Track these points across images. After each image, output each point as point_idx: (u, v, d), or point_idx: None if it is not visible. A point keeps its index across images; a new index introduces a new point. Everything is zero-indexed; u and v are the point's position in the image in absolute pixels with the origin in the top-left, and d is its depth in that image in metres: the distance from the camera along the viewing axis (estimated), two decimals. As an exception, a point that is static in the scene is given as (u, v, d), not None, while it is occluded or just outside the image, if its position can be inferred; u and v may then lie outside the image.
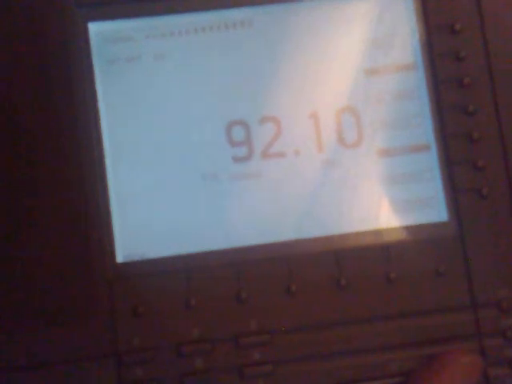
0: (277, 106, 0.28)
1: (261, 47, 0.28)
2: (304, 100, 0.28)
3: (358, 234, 0.27)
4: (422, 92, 0.28)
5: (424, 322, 0.26)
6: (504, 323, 0.26)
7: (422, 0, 0.28)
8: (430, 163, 0.28)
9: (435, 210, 0.27)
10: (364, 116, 0.28)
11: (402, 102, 0.28)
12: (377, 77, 0.28)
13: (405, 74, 0.28)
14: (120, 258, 0.26)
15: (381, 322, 0.26)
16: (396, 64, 0.28)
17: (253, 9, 0.28)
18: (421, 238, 0.27)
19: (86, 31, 0.26)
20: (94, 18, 0.27)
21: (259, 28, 0.28)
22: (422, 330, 0.26)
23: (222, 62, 0.28)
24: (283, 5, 0.28)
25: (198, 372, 0.25)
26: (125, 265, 0.26)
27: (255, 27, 0.28)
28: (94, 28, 0.27)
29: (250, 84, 0.28)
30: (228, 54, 0.28)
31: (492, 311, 0.26)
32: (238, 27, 0.28)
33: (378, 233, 0.27)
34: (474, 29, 0.28)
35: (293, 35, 0.28)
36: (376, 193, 0.28)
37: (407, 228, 0.27)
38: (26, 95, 0.26)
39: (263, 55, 0.28)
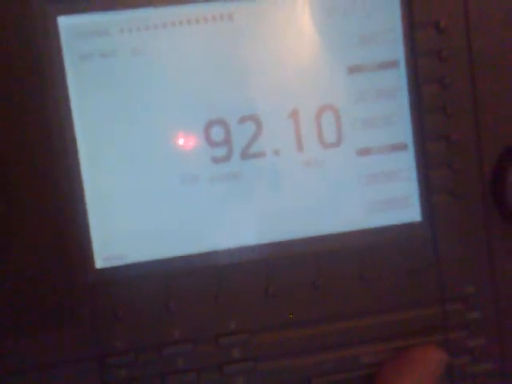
0: (257, 104, 0.27)
1: (241, 42, 0.27)
2: (284, 98, 0.27)
3: (335, 236, 0.27)
4: (403, 90, 0.28)
5: (395, 317, 0.28)
6: (469, 317, 0.28)
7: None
8: (407, 163, 0.28)
9: (410, 210, 0.28)
10: (344, 115, 0.28)
11: (382, 101, 0.28)
12: (359, 74, 0.28)
13: (386, 71, 0.28)
14: (99, 263, 0.26)
15: (354, 318, 0.27)
16: (378, 61, 0.28)
17: (233, 2, 0.26)
18: (395, 238, 0.28)
19: (55, 26, 0.25)
20: (64, 12, 0.25)
21: (239, 22, 0.27)
22: (393, 324, 0.28)
23: (202, 57, 0.26)
24: (265, -2, 0.26)
25: (179, 372, 0.26)
26: (104, 270, 0.26)
27: (235, 21, 0.26)
28: (64, 22, 0.25)
29: (230, 81, 0.27)
30: (207, 49, 0.26)
31: (459, 306, 0.28)
32: (217, 21, 0.26)
33: (354, 234, 0.28)
34: (458, 28, 0.27)
35: (274, 30, 0.27)
36: (354, 193, 0.28)
37: (382, 228, 0.28)
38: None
39: (243, 51, 0.27)
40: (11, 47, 0.24)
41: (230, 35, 0.26)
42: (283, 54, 0.27)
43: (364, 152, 0.28)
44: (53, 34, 0.25)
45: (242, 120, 0.27)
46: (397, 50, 0.28)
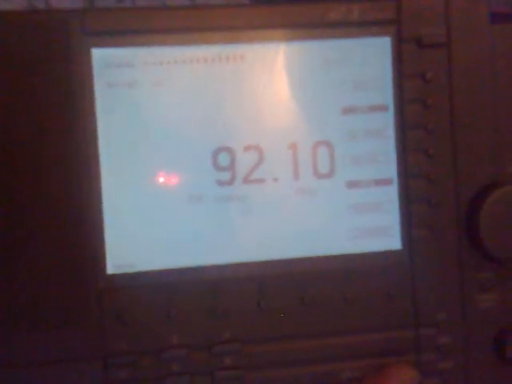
0: (260, 135, 0.30)
1: (250, 80, 0.30)
2: (285, 132, 0.30)
3: (322, 258, 0.30)
4: (390, 132, 0.31)
5: (373, 337, 0.30)
6: (439, 341, 0.31)
7: (399, 48, 0.31)
8: (390, 196, 0.31)
9: (391, 239, 0.31)
10: (338, 150, 0.31)
11: (371, 140, 0.31)
12: (352, 115, 0.31)
13: (377, 114, 0.31)
14: (110, 269, 0.28)
15: (337, 335, 0.30)
16: (370, 105, 0.31)
17: (245, 45, 0.29)
18: (377, 264, 0.31)
19: (89, 56, 0.28)
20: (97, 44, 0.28)
21: (250, 63, 0.30)
22: (370, 344, 0.30)
23: (215, 92, 0.30)
24: (273, 44, 0.30)
25: (174, 374, 0.28)
26: (114, 276, 0.28)
27: (246, 62, 0.30)
28: (97, 53, 0.28)
29: (238, 114, 0.30)
30: (220, 85, 0.30)
31: (431, 330, 0.31)
32: (230, 61, 0.30)
33: (340, 258, 0.30)
34: (442, 80, 0.31)
35: (279, 72, 0.30)
36: (341, 220, 0.31)
37: (365, 254, 0.31)
38: (28, 115, 0.27)
39: (251, 88, 0.30)
40: (48, 73, 0.27)
41: (240, 74, 0.30)
42: (286, 94, 0.30)
43: (353, 184, 0.31)
44: (86, 64, 0.28)
45: (247, 149, 0.30)
46: (387, 95, 0.31)
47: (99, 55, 0.28)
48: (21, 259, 0.27)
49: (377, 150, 0.31)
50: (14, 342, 0.27)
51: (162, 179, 0.29)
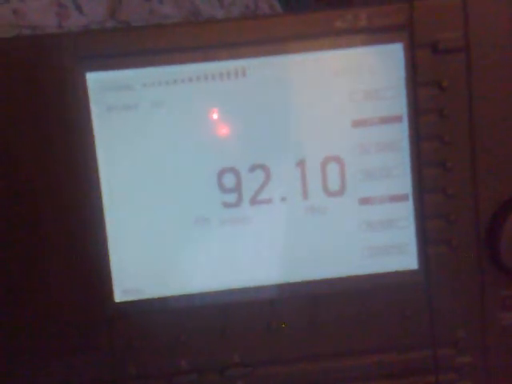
0: (266, 154, 0.29)
1: (253, 96, 0.29)
2: (292, 148, 0.29)
3: (335, 280, 0.29)
4: (404, 145, 0.29)
5: (390, 358, 0.30)
6: (458, 361, 0.30)
7: (412, 55, 0.29)
8: (406, 213, 0.30)
9: (406, 257, 0.30)
10: (348, 165, 0.29)
11: (384, 153, 0.30)
12: (363, 128, 0.29)
13: (389, 126, 0.29)
14: (118, 296, 0.28)
15: (351, 357, 0.29)
16: (382, 116, 0.29)
17: (247, 60, 0.28)
18: (392, 284, 0.30)
19: (83, 81, 0.27)
20: (92, 69, 0.27)
21: (252, 78, 0.28)
22: (387, 364, 0.30)
23: (216, 110, 0.29)
24: (276, 57, 0.28)
25: (186, 399, 0.29)
26: (122, 304, 0.28)
27: (249, 77, 0.28)
28: (92, 77, 0.27)
29: (241, 132, 0.29)
30: (222, 102, 0.29)
31: (449, 350, 0.30)
32: (232, 77, 0.28)
33: (353, 279, 0.29)
34: (460, 88, 0.29)
35: (284, 86, 0.29)
36: (354, 239, 0.30)
37: (380, 274, 0.30)
38: (25, 143, 0.27)
39: (255, 104, 0.29)
40: (45, 100, 0.27)
41: (243, 90, 0.28)
42: (292, 108, 0.29)
43: (365, 201, 0.30)
44: (81, 88, 0.27)
45: (252, 168, 0.29)
46: (400, 105, 0.29)
47: (94, 79, 0.27)
48: (31, 290, 0.28)
49: (390, 163, 0.30)
50: (25, 368, 0.28)
51: (165, 202, 0.29)
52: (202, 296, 0.29)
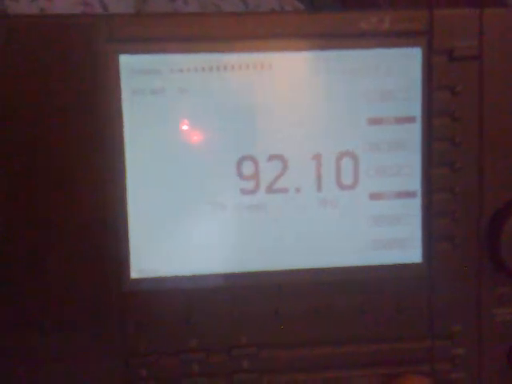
0: (285, 145, 0.30)
1: (276, 89, 0.30)
2: (309, 142, 0.30)
3: (341, 269, 0.31)
4: (416, 144, 0.31)
5: (388, 347, 0.31)
6: (454, 353, 0.31)
7: (429, 59, 0.30)
8: (413, 209, 0.31)
9: (412, 251, 0.31)
10: (362, 161, 0.31)
11: (396, 152, 0.31)
12: (378, 126, 0.31)
13: (403, 125, 0.31)
14: (134, 273, 0.29)
15: (352, 344, 0.31)
16: (397, 116, 0.31)
17: (273, 54, 0.29)
18: (396, 275, 0.31)
19: (116, 63, 0.28)
20: (125, 51, 0.28)
21: (277, 71, 0.30)
22: (385, 353, 0.31)
23: (240, 99, 0.30)
24: (300, 52, 0.29)
25: (194, 376, 0.30)
26: (137, 280, 0.29)
27: (274, 70, 0.30)
28: (124, 60, 0.28)
29: (263, 123, 0.30)
30: (246, 93, 0.30)
31: (446, 342, 0.31)
32: (258, 69, 0.29)
33: (359, 269, 0.31)
34: (472, 94, 0.30)
35: (306, 81, 0.30)
36: (363, 231, 0.31)
37: (385, 266, 0.31)
38: (56, 120, 0.28)
39: (277, 97, 0.30)
40: (74, 77, 0.28)
41: (267, 83, 0.30)
42: (311, 103, 0.30)
43: (376, 196, 0.31)
44: (114, 70, 0.28)
45: (270, 158, 0.30)
46: (415, 107, 0.31)
47: (126, 61, 0.28)
48: (48, 262, 0.28)
49: (401, 161, 0.31)
50: (38, 340, 0.29)
51: (185, 187, 0.30)
52: (214, 278, 0.30)
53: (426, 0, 0.30)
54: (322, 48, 0.29)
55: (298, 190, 0.31)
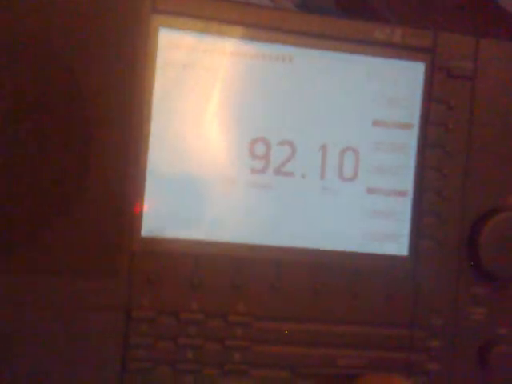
0: (296, 133, 0.33)
1: (294, 82, 0.33)
2: (319, 134, 0.33)
3: (336, 253, 0.33)
4: (412, 149, 0.34)
5: (372, 331, 0.33)
6: (431, 344, 0.34)
7: (431, 74, 0.34)
8: (404, 207, 0.34)
9: (399, 245, 0.34)
10: (363, 157, 0.34)
11: (394, 153, 0.34)
12: (381, 128, 0.34)
13: (402, 131, 0.34)
14: (145, 232, 0.31)
15: (340, 324, 0.33)
16: (398, 121, 0.34)
17: (296, 49, 0.33)
18: (384, 265, 0.34)
19: (156, 34, 0.31)
20: (166, 25, 0.31)
21: (297, 65, 0.33)
22: (369, 337, 0.33)
23: (260, 87, 0.33)
24: (320, 51, 0.33)
25: (190, 336, 0.31)
26: (148, 239, 0.31)
27: (295, 64, 0.33)
28: (164, 32, 0.31)
29: (279, 110, 0.33)
30: (266, 81, 0.33)
31: (424, 333, 0.34)
32: (280, 61, 0.33)
33: (351, 255, 0.33)
34: (464, 109, 0.34)
35: (322, 77, 0.33)
36: (357, 221, 0.34)
37: (375, 256, 0.34)
38: (93, 79, 0.30)
39: (295, 89, 0.33)
40: (114, 44, 0.30)
41: (287, 74, 0.33)
42: (325, 98, 0.33)
43: (372, 191, 0.34)
44: (153, 41, 0.31)
45: (281, 143, 0.33)
46: (413, 115, 0.34)
47: (165, 34, 0.31)
48: (66, 214, 0.30)
49: (398, 162, 0.34)
50: (49, 285, 0.30)
51: (201, 159, 0.32)
52: (219, 245, 0.32)
53: (432, 19, 0.34)
54: (340, 50, 0.33)
55: (303, 176, 0.33)
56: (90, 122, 0.30)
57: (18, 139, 0.29)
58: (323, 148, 0.34)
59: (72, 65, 0.30)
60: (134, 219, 0.31)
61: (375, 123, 0.34)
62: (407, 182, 0.34)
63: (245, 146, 0.33)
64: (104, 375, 0.30)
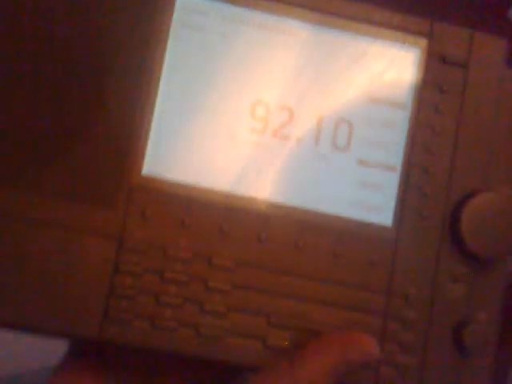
0: (296, 100, 0.36)
1: (303, 54, 0.36)
2: (316, 103, 0.36)
3: (323, 214, 0.35)
4: (404, 127, 0.36)
5: (350, 292, 0.35)
6: (405, 313, 0.35)
7: (426, 59, 0.36)
8: (392, 181, 0.36)
9: (384, 216, 0.36)
10: (356, 130, 0.36)
11: (386, 130, 0.36)
12: (376, 105, 0.36)
13: (396, 109, 0.37)
14: (145, 171, 0.34)
15: (320, 282, 0.34)
16: (392, 100, 0.37)
17: (302, 23, 0.36)
18: (368, 232, 0.35)
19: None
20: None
21: (301, 39, 0.36)
22: (346, 298, 0.34)
23: (267, 55, 0.36)
24: (327, 29, 0.36)
25: (175, 272, 0.33)
26: (147, 177, 0.33)
27: (299, 37, 0.36)
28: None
29: (283, 77, 0.36)
30: (275, 51, 0.36)
31: (399, 302, 0.35)
32: (286, 34, 0.36)
33: (337, 218, 0.35)
34: (455, 94, 0.36)
35: (326, 53, 0.36)
36: (346, 190, 0.36)
37: (360, 222, 0.35)
38: (110, 25, 0.33)
39: (303, 60, 0.36)
40: (131, 7, 0.34)
41: (297, 47, 0.36)
42: (327, 72, 0.36)
43: (363, 163, 0.36)
44: (169, 3, 0.34)
45: (281, 108, 0.36)
46: (406, 96, 0.37)
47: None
48: (74, 145, 0.33)
49: (389, 138, 0.36)
50: (51, 206, 0.32)
51: (207, 111, 0.35)
52: (211, 192, 0.34)
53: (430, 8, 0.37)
54: (342, 28, 0.36)
55: (298, 140, 0.36)
56: (103, 63, 0.33)
57: (37, 70, 0.32)
58: (319, 118, 0.36)
59: (95, 15, 0.33)
60: (137, 158, 0.33)
61: (372, 100, 0.36)
62: (397, 158, 0.36)
63: (246, 107, 0.35)
64: (90, 297, 0.32)
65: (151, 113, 0.34)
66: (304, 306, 0.34)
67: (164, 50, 0.34)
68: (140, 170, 0.34)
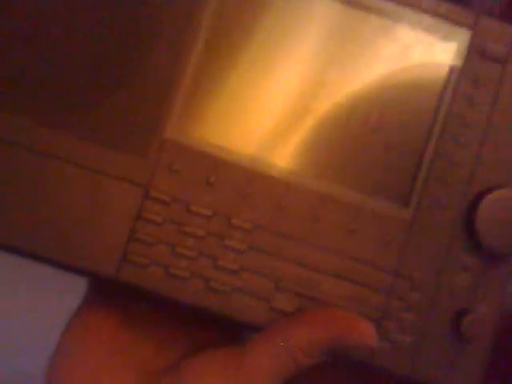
0: (329, 76, 0.36)
1: (340, 33, 0.36)
2: (350, 82, 0.37)
3: (343, 191, 0.36)
4: (435, 115, 0.37)
5: (359, 268, 0.36)
6: (409, 295, 0.36)
7: (468, 51, 0.37)
8: (416, 166, 0.37)
9: (404, 199, 0.37)
10: (387, 113, 0.37)
11: (416, 115, 0.37)
12: (409, 89, 0.37)
13: (429, 97, 0.37)
14: (178, 125, 0.35)
15: (332, 254, 0.35)
16: (427, 87, 0.37)
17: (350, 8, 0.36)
18: (385, 212, 0.36)
19: None
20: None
21: (347, 23, 0.36)
22: (356, 272, 0.36)
23: (309, 31, 0.36)
24: (362, 12, 0.36)
25: (195, 226, 0.34)
26: (180, 132, 0.35)
27: (344, 22, 0.36)
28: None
29: (319, 52, 0.36)
30: (313, 27, 0.36)
31: (405, 282, 0.36)
32: (332, 16, 0.36)
33: (358, 196, 0.36)
34: (490, 87, 0.37)
35: (369, 38, 0.36)
36: (370, 169, 0.36)
37: (379, 202, 0.36)
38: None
39: (338, 39, 0.36)
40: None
41: (338, 30, 0.36)
42: (364, 59, 0.36)
43: (389, 145, 0.37)
44: None
45: (316, 82, 0.36)
46: (443, 85, 0.37)
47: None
48: (114, 87, 0.34)
49: (418, 125, 0.37)
50: (86, 148, 0.34)
51: (242, 75, 0.36)
52: (238, 156, 0.35)
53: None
54: (384, 12, 0.36)
55: (328, 115, 0.36)
56: (148, 14, 0.34)
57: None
58: (352, 96, 0.37)
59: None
60: (173, 112, 0.35)
61: (405, 84, 0.37)
62: (424, 145, 0.37)
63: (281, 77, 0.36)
64: (111, 238, 0.34)
65: (190, 70, 0.35)
66: (313, 275, 0.35)
67: (207, 6, 0.35)
68: (174, 124, 0.35)
